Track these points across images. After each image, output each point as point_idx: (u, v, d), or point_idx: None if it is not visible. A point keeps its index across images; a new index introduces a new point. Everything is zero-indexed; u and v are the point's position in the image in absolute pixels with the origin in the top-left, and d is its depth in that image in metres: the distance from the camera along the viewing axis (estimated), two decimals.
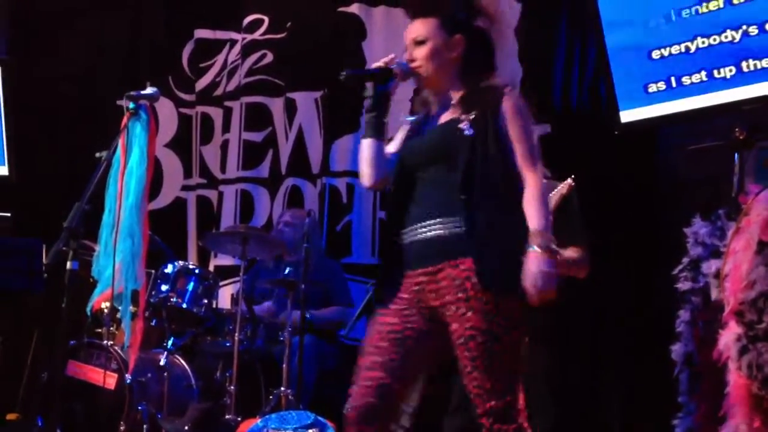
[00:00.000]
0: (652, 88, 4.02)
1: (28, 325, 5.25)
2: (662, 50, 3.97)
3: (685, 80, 3.88)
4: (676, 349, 2.87)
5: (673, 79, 3.93)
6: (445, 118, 2.44)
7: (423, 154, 2.41)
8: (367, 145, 2.46)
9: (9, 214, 5.03)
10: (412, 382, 2.38)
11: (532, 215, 2.28)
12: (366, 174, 2.47)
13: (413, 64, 2.43)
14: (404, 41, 2.48)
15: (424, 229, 2.33)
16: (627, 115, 4.15)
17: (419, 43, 2.43)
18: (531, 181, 2.33)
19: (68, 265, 2.52)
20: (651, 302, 4.07)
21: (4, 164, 5.82)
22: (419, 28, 2.45)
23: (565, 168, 3.99)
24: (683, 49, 3.88)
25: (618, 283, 4.30)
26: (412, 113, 2.55)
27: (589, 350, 4.27)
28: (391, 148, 2.51)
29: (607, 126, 4.29)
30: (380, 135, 2.45)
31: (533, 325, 3.20)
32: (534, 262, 2.22)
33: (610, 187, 4.39)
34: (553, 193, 3.22)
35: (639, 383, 4.15)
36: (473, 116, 2.33)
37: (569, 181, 3.24)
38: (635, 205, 4.42)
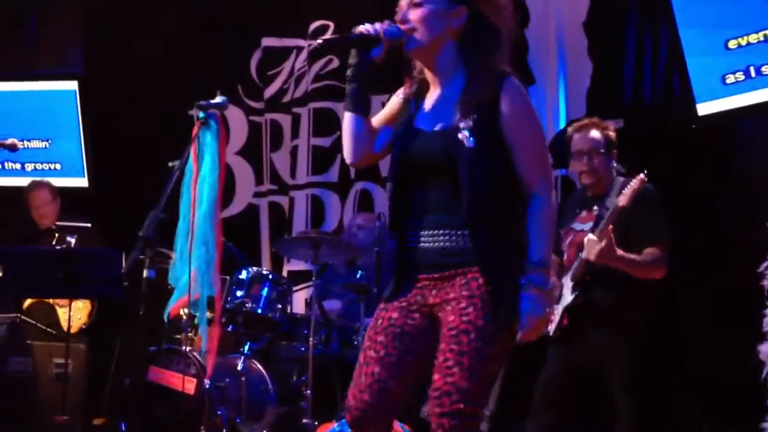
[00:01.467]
0: (730, 78, 3.91)
1: (111, 332, 5.40)
2: (739, 39, 3.85)
3: (765, 70, 3.75)
4: (764, 350, 2.76)
5: (752, 68, 3.81)
6: (438, 113, 2.23)
7: (423, 161, 2.22)
8: (347, 119, 2.28)
9: (90, 225, 5.17)
10: (410, 383, 2.22)
11: (536, 243, 2.15)
12: (347, 149, 2.31)
13: (405, 26, 2.21)
14: (400, 5, 2.25)
15: (429, 238, 2.22)
16: (704, 108, 4.04)
17: (415, 5, 2.21)
18: (538, 198, 2.17)
19: (145, 273, 2.56)
20: (733, 301, 3.93)
21: (83, 176, 6.01)
22: None
23: (639, 163, 3.90)
24: (762, 38, 3.75)
25: (697, 282, 4.18)
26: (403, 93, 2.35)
27: (669, 351, 4.15)
28: (378, 120, 2.33)
29: (683, 119, 4.17)
30: (361, 108, 2.26)
31: (619, 322, 3.17)
32: (531, 304, 2.11)
33: (686, 182, 4.26)
34: (625, 189, 3.14)
35: (724, 386, 4.01)
36: (472, 122, 2.14)
37: (641, 175, 3.15)
38: (713, 201, 4.28)
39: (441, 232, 2.20)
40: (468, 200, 2.13)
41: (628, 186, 3.14)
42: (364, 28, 2.22)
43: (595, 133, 3.37)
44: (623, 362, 3.17)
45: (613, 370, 3.19)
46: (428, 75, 2.30)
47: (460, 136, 2.15)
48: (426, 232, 2.23)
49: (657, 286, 3.24)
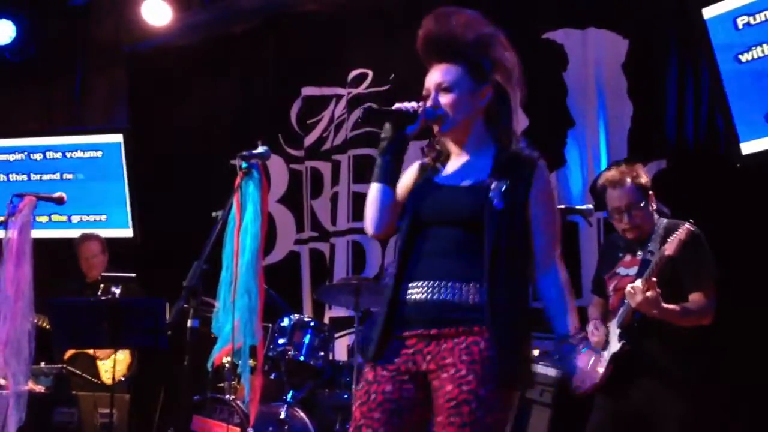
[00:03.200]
0: None
1: (155, 381, 5.42)
2: None
3: None
4: None
5: None
6: (465, 173, 2.28)
7: (444, 213, 2.23)
8: (376, 190, 2.29)
9: (134, 275, 5.24)
10: None
11: (562, 315, 2.22)
12: (371, 219, 2.30)
13: (438, 111, 2.27)
14: (426, 88, 2.32)
15: (434, 289, 2.16)
16: (748, 147, 3.98)
17: (445, 89, 2.27)
18: (556, 270, 2.24)
19: (189, 322, 2.58)
20: None
21: (128, 227, 6.10)
22: (444, 74, 2.28)
23: (683, 204, 3.85)
24: None
25: (745, 323, 4.08)
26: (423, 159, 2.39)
27: (720, 398, 4.04)
28: (400, 191, 2.34)
29: (727, 159, 4.12)
30: (392, 181, 2.29)
31: (668, 370, 3.09)
32: (584, 360, 2.20)
33: (731, 222, 4.19)
34: (672, 238, 3.09)
35: None
36: (504, 187, 2.19)
37: (688, 225, 3.09)
38: (759, 241, 4.19)
39: (443, 283, 2.17)
40: (490, 254, 2.13)
41: (675, 235, 3.08)
42: (403, 105, 2.27)
43: (629, 188, 3.25)
44: (673, 413, 3.09)
45: (662, 421, 3.11)
46: (452, 146, 2.36)
47: (490, 194, 2.19)
48: (424, 283, 2.18)
49: (706, 333, 3.17)
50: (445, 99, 2.28)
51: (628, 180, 3.27)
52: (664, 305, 3.06)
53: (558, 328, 2.21)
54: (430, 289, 2.17)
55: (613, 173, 3.33)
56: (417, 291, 2.19)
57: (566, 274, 2.26)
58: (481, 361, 2.07)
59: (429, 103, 2.29)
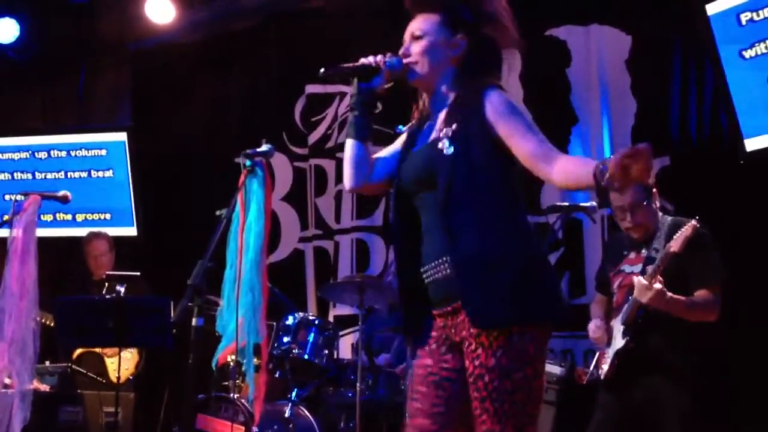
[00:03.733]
0: None
1: (160, 380, 5.43)
2: None
3: None
4: None
5: None
6: (430, 131, 2.25)
7: (411, 180, 2.23)
8: (348, 146, 2.32)
9: (139, 273, 5.25)
10: (464, 426, 2.15)
11: (585, 161, 2.07)
12: (347, 175, 2.33)
13: (407, 59, 2.26)
14: (404, 39, 2.31)
15: (430, 272, 2.18)
16: (752, 143, 3.97)
17: (417, 38, 2.27)
18: (560, 155, 2.08)
19: (194, 321, 2.58)
20: None
21: (132, 225, 6.11)
22: (419, 23, 2.29)
23: (687, 201, 3.85)
24: None
25: (749, 320, 4.07)
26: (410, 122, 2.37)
27: (722, 396, 4.04)
28: (383, 152, 2.36)
29: (731, 155, 4.11)
30: (363, 136, 2.30)
31: (671, 366, 3.09)
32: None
33: (735, 219, 4.18)
34: (677, 235, 3.09)
35: None
36: (453, 130, 2.13)
37: (693, 222, 3.09)
38: (764, 238, 4.19)
39: (439, 260, 2.15)
40: (442, 203, 2.08)
41: (680, 232, 3.08)
42: (365, 59, 2.29)
43: (632, 187, 3.27)
44: (676, 409, 3.09)
45: (666, 417, 3.11)
46: (427, 101, 2.34)
47: (440, 145, 2.14)
48: (428, 266, 2.19)
49: (710, 330, 3.17)
50: (415, 47, 2.27)
51: None
52: (672, 296, 3.05)
53: (586, 172, 2.00)
54: (432, 270, 2.18)
55: None
56: (427, 274, 2.20)
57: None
58: (481, 330, 2.07)
59: (400, 51, 2.29)
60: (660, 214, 3.32)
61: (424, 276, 2.21)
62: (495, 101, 2.13)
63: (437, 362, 2.20)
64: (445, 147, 2.12)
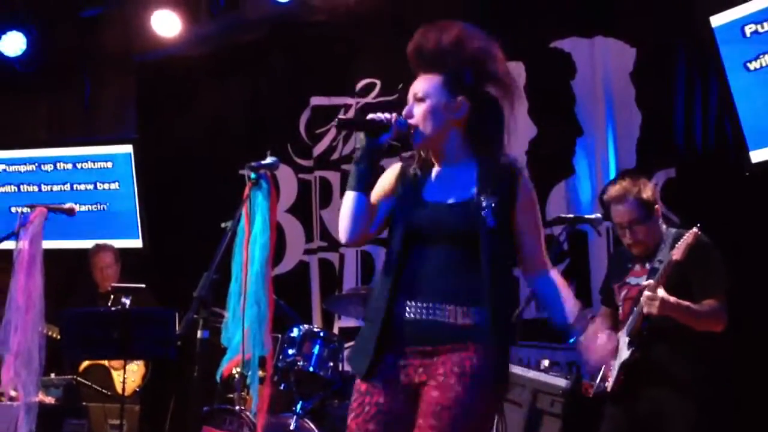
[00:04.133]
0: None
1: (165, 392, 5.43)
2: None
3: None
4: None
5: None
6: (450, 188, 2.31)
7: (438, 230, 2.25)
8: (350, 198, 2.32)
9: (144, 285, 5.26)
10: None
11: (568, 306, 2.29)
12: (345, 227, 2.34)
13: (411, 121, 2.31)
14: (408, 98, 2.36)
15: (430, 310, 2.20)
16: (757, 155, 3.97)
17: (419, 100, 2.31)
18: (549, 273, 2.33)
19: (199, 333, 2.58)
20: None
21: (138, 237, 6.12)
22: (422, 83, 2.32)
23: (692, 212, 3.84)
24: None
25: (754, 330, 4.06)
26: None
27: (729, 403, 4.03)
28: (377, 194, 2.37)
29: (736, 167, 4.10)
30: (366, 189, 2.32)
31: (677, 377, 3.08)
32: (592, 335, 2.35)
33: (740, 230, 4.17)
34: (679, 243, 3.08)
35: None
36: (494, 204, 2.22)
37: (695, 230, 3.08)
38: None
39: (438, 305, 2.20)
40: (488, 276, 2.19)
41: (682, 240, 3.08)
42: (376, 115, 2.31)
43: (630, 204, 3.24)
44: (683, 421, 3.08)
45: (672, 429, 3.10)
46: (433, 156, 2.38)
47: (483, 213, 2.22)
48: (420, 304, 2.22)
49: (715, 341, 3.16)
50: (417, 109, 2.31)
51: (630, 197, 3.25)
52: (677, 301, 3.04)
53: (558, 319, 2.29)
54: (425, 310, 2.21)
55: (616, 188, 3.32)
56: (413, 311, 2.22)
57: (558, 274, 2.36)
58: (471, 375, 2.13)
59: (404, 112, 2.33)
60: (665, 227, 3.31)
61: (412, 311, 2.22)
62: (528, 191, 2.30)
63: (389, 401, 2.22)
64: (489, 216, 2.22)
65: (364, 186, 2.32)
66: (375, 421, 2.21)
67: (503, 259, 2.24)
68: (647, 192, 3.28)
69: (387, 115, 2.30)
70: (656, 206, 3.29)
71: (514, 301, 2.33)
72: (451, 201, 2.29)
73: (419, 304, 2.22)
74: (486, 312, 2.18)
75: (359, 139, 2.33)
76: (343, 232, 2.36)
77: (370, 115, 2.32)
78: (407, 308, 2.23)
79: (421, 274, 2.24)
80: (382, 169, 2.44)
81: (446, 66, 2.29)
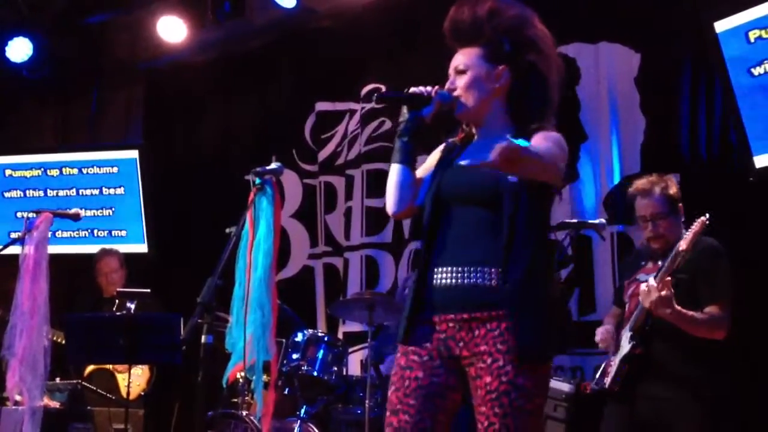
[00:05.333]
0: None
1: (170, 397, 5.44)
2: None
3: None
4: None
5: None
6: (483, 152, 2.22)
7: (464, 192, 2.27)
8: (395, 171, 2.36)
9: (149, 290, 5.28)
10: None
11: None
12: (391, 200, 2.36)
13: (454, 93, 2.33)
14: (449, 72, 2.37)
15: (460, 275, 2.20)
16: (762, 160, 3.96)
17: (460, 72, 2.33)
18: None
19: (203, 338, 2.59)
20: None
21: (143, 242, 6.14)
22: (461, 57, 2.34)
23: (697, 217, 3.82)
24: None
25: (759, 335, 4.05)
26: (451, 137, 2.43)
27: (731, 407, 4.02)
28: (422, 171, 2.40)
29: (740, 172, 4.10)
30: (410, 162, 2.35)
31: (674, 375, 3.08)
32: None
33: (744, 236, 4.17)
34: (686, 233, 3.08)
35: None
36: None
37: (703, 218, 3.08)
38: None
39: (470, 268, 2.20)
40: (507, 235, 2.17)
41: (689, 229, 3.08)
42: (418, 89, 2.34)
43: (656, 197, 3.27)
44: (684, 420, 3.07)
45: (674, 423, 3.09)
46: (474, 127, 2.40)
47: None
48: (453, 269, 2.22)
49: (720, 341, 3.15)
50: (459, 81, 2.33)
51: (657, 190, 3.29)
52: (678, 307, 3.04)
53: None
54: (457, 274, 2.21)
55: (643, 182, 3.36)
56: (445, 276, 2.23)
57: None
58: (513, 349, 2.12)
59: (446, 86, 2.35)
60: (682, 229, 3.31)
61: (443, 277, 2.23)
62: (544, 131, 2.28)
63: (428, 375, 2.22)
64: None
65: (408, 158, 2.35)
66: (414, 395, 2.21)
67: (530, 219, 2.18)
68: (673, 188, 3.32)
69: (429, 88, 2.34)
70: (680, 204, 3.31)
71: (549, 264, 2.26)
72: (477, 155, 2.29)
73: (449, 269, 2.23)
74: (515, 273, 2.15)
75: (402, 113, 2.36)
76: (389, 204, 2.38)
77: (412, 89, 2.35)
78: (437, 274, 2.24)
79: (450, 238, 2.26)
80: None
81: (484, 37, 2.31)
